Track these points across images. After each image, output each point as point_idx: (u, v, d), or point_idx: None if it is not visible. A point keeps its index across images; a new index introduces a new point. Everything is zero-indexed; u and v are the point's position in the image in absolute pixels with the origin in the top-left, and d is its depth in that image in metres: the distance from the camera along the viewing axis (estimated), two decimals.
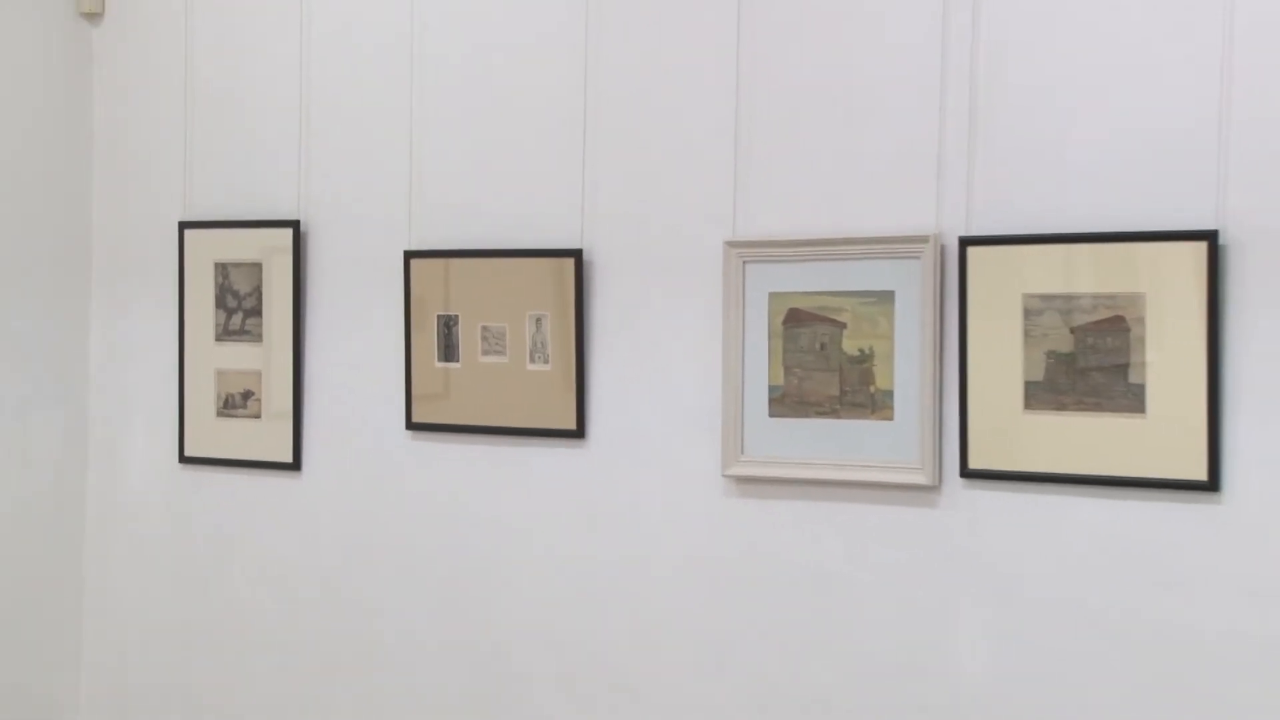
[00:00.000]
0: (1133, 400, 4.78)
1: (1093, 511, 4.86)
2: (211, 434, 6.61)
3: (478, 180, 5.98)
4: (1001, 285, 4.97)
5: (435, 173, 6.08)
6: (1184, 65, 4.72)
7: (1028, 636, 4.98)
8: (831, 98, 5.29)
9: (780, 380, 5.36)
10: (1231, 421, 4.65)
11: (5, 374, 6.71)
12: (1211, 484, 4.66)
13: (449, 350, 6.01)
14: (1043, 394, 4.92)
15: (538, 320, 5.81)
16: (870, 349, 5.19)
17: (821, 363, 5.28)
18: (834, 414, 5.26)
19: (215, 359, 6.58)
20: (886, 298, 5.16)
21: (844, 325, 5.23)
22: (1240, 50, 4.63)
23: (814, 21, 5.32)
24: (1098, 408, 4.83)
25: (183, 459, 6.67)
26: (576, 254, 5.71)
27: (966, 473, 5.04)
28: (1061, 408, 4.89)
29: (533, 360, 5.83)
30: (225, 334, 6.54)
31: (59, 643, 6.93)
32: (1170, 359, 4.72)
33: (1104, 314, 4.82)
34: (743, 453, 5.43)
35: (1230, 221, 4.64)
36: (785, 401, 5.35)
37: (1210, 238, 4.63)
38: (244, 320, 6.50)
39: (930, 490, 5.11)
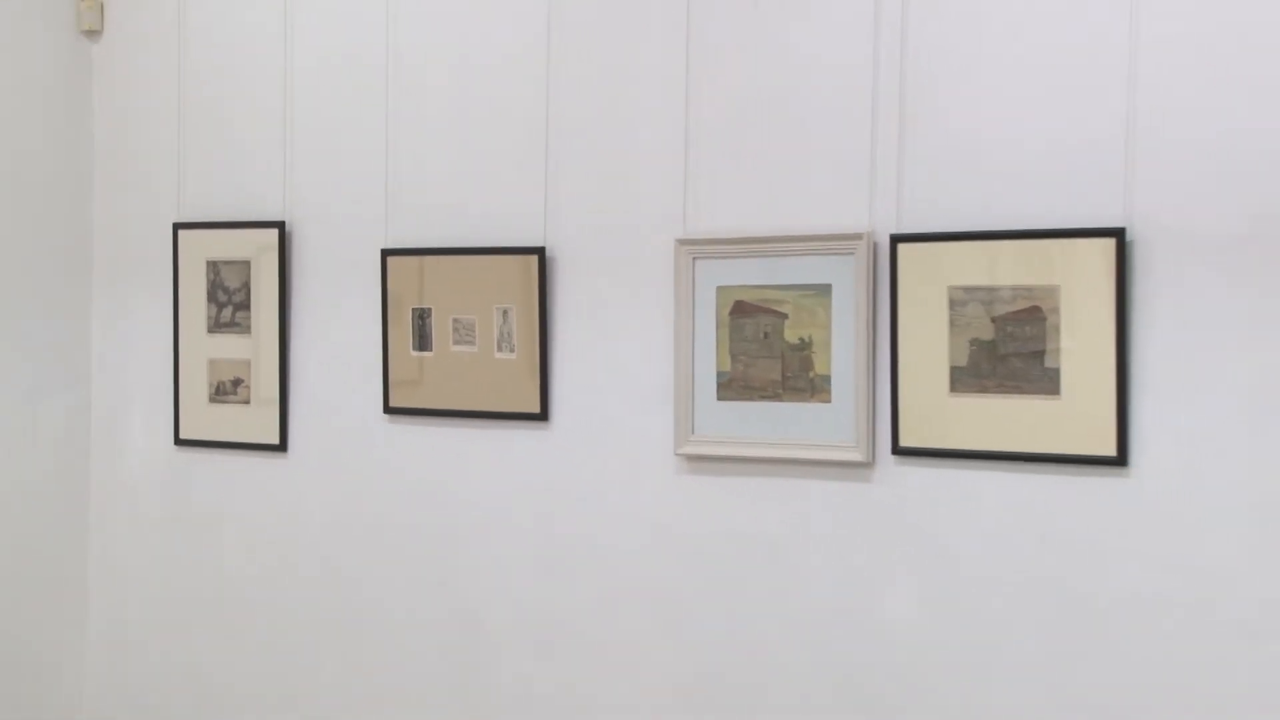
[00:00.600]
0: (1048, 383, 4.82)
1: (1012, 485, 4.91)
2: (204, 418, 6.62)
3: (449, 184, 5.99)
4: (929, 278, 5.01)
5: (410, 177, 6.09)
6: (1094, 78, 4.76)
7: (953, 599, 5.03)
8: (773, 108, 5.33)
9: (727, 367, 5.38)
10: (1138, 402, 4.70)
11: (14, 364, 6.73)
12: (1120, 459, 4.72)
13: (423, 340, 6.02)
14: (967, 378, 4.96)
15: (504, 312, 5.83)
16: (809, 337, 5.22)
17: (765, 350, 5.31)
18: (776, 397, 5.29)
19: (208, 349, 6.59)
20: (824, 290, 5.20)
21: (785, 316, 5.26)
22: (1144, 64, 4.67)
23: (756, 39, 5.35)
24: (1017, 390, 4.88)
25: (178, 441, 6.68)
26: (540, 251, 5.73)
27: (898, 450, 5.09)
28: (984, 390, 4.94)
29: (500, 349, 5.85)
30: (217, 326, 6.55)
31: (66, 611, 6.92)
32: (1082, 345, 4.77)
33: (1022, 304, 4.86)
34: (693, 433, 5.45)
35: (1136, 220, 4.69)
36: (732, 386, 5.38)
37: (1118, 234, 4.68)
38: (234, 313, 6.51)
39: (864, 466, 5.15)
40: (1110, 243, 4.70)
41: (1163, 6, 4.66)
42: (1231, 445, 4.58)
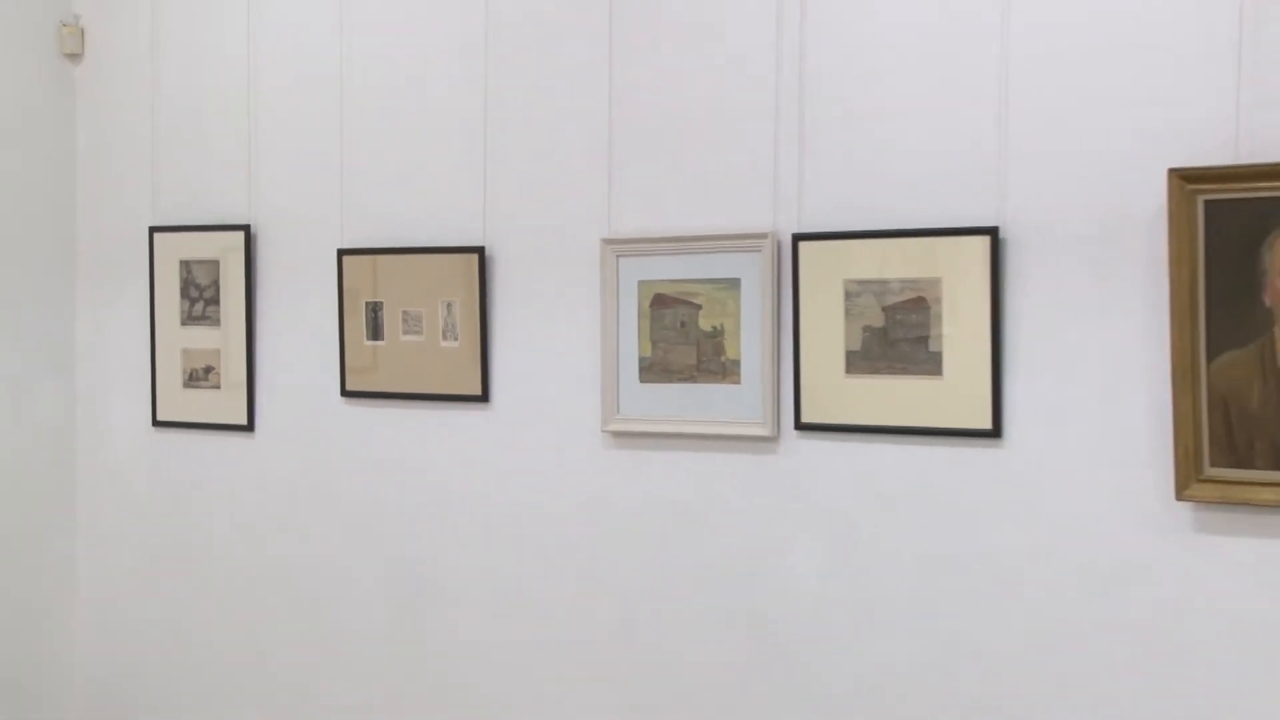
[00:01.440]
0: (932, 365, 4.89)
1: (901, 455, 4.98)
2: (179, 402, 6.61)
3: (398, 190, 6.00)
4: (827, 273, 5.05)
5: (363, 184, 6.09)
6: (971, 94, 4.82)
7: (849, 558, 5.08)
8: (687, 120, 5.36)
9: (648, 352, 5.41)
10: (1010, 381, 4.77)
11: (5, 353, 6.71)
12: (995, 432, 4.79)
13: (375, 330, 6.03)
14: (860, 361, 5.01)
15: (449, 305, 5.84)
16: (721, 326, 5.26)
17: (682, 338, 5.35)
18: (692, 379, 5.33)
19: (181, 340, 6.58)
20: (734, 284, 5.24)
21: (699, 307, 5.30)
22: (1014, 82, 4.73)
23: (672, 59, 5.37)
24: (904, 371, 4.93)
25: (155, 423, 6.68)
26: (480, 250, 5.75)
27: (800, 426, 5.13)
28: (875, 371, 4.99)
29: (445, 338, 5.86)
30: (189, 319, 6.54)
31: (55, 576, 6.90)
32: (961, 331, 4.83)
33: (909, 295, 4.91)
34: (618, 412, 5.49)
35: (1008, 220, 4.75)
36: (652, 370, 5.41)
37: (992, 233, 4.75)
38: (205, 308, 6.49)
39: (770, 440, 5.20)
40: (985, 240, 4.77)
41: (1029, 31, 4.72)
42: (1089, 418, 4.65)
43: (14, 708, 6.79)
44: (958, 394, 4.87)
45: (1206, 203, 4.39)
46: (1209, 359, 4.41)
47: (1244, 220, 4.34)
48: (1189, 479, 4.46)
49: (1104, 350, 4.64)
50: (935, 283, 4.88)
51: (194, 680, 6.65)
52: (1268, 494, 4.34)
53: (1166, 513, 4.54)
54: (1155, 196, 4.49)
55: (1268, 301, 4.32)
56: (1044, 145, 4.73)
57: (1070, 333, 4.70)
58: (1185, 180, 4.40)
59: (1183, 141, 4.47)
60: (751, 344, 5.23)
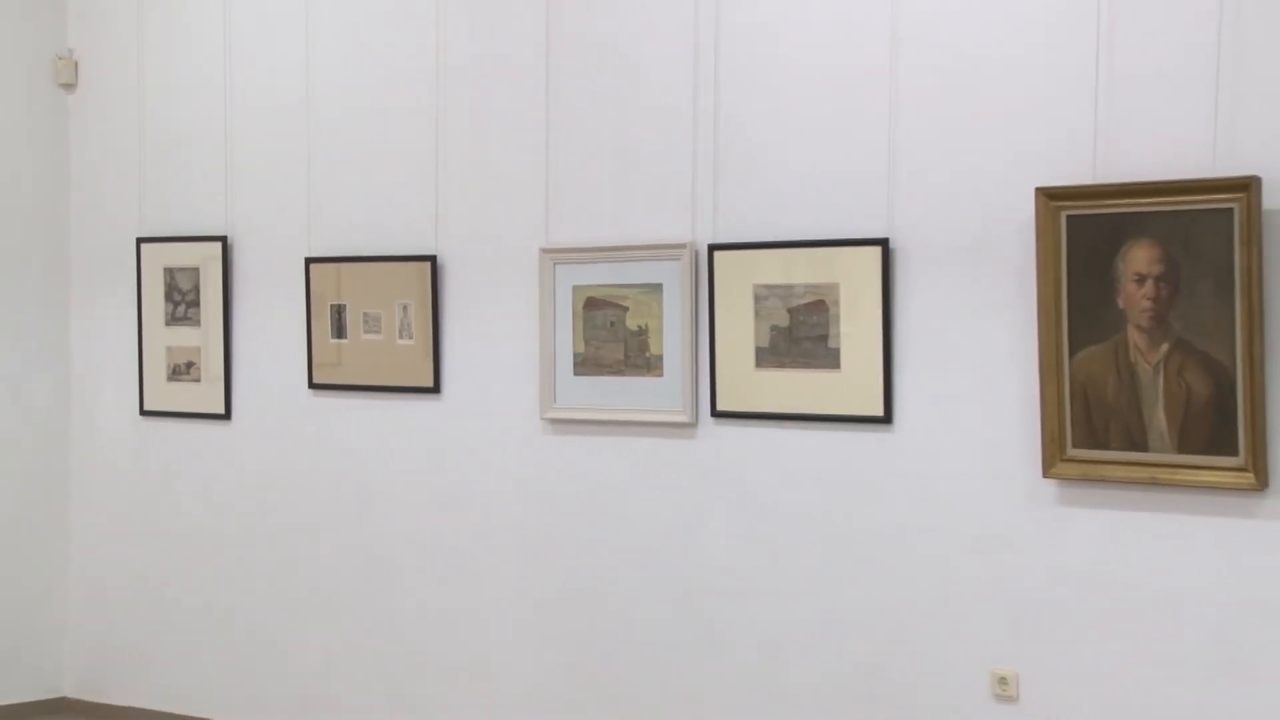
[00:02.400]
0: (831, 360, 4.92)
1: (804, 439, 5.01)
2: (163, 393, 6.55)
3: (359, 205, 5.98)
4: (738, 279, 5.08)
5: (327, 200, 6.07)
6: (864, 124, 4.86)
7: (758, 528, 5.11)
8: (616, 145, 5.37)
9: (582, 349, 5.41)
10: (899, 374, 4.82)
11: (6, 351, 6.68)
12: (886, 418, 4.84)
13: (339, 330, 6.00)
14: (768, 356, 5.04)
15: (404, 307, 5.82)
16: (646, 325, 5.28)
17: (611, 336, 5.35)
18: (620, 373, 5.34)
19: (165, 338, 6.52)
20: (657, 288, 5.25)
21: (627, 308, 5.31)
22: (902, 115, 4.77)
23: (603, 92, 5.39)
24: (807, 365, 4.96)
25: (142, 412, 6.63)
26: (432, 259, 5.74)
27: (715, 413, 5.16)
28: (781, 365, 5.01)
29: (401, 337, 5.84)
30: (173, 320, 6.48)
31: (51, 551, 6.84)
32: (857, 330, 4.87)
33: (811, 298, 4.94)
34: (555, 401, 5.49)
35: (897, 232, 4.80)
36: (585, 364, 5.41)
37: (883, 244, 4.79)
38: (186, 310, 6.44)
39: (690, 426, 5.22)
40: (877, 250, 4.81)
41: (914, 70, 4.76)
42: (968, 405, 4.71)
43: (12, 672, 6.72)
44: (853, 385, 4.90)
45: (1068, 217, 4.45)
46: (1071, 354, 4.47)
47: (1100, 233, 4.41)
48: (1054, 459, 4.52)
49: (980, 347, 4.69)
50: (834, 287, 4.91)
51: (176, 642, 6.58)
52: (1120, 471, 4.42)
53: (1034, 488, 4.60)
54: (1024, 212, 4.54)
55: (1121, 304, 4.38)
56: (927, 167, 4.78)
57: (951, 331, 4.74)
58: (1050, 198, 4.46)
59: (1047, 163, 4.53)
60: (672, 341, 5.24)
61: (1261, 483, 4.22)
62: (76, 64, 6.85)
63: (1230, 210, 4.20)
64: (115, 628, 6.81)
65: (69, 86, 6.87)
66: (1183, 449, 4.33)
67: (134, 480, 6.74)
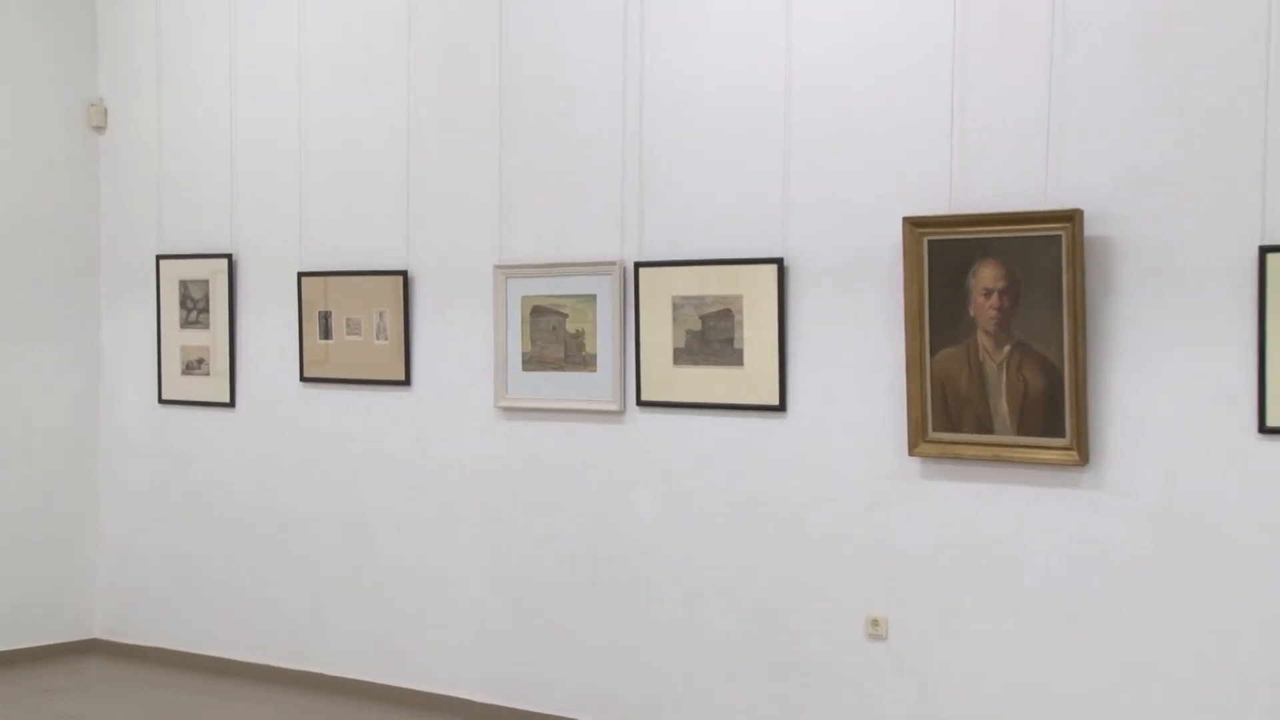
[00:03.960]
0: (736, 358, 4.92)
1: (714, 424, 5.02)
2: (178, 385, 6.50)
3: (343, 228, 5.93)
4: (659, 291, 5.07)
5: (316, 223, 6.02)
6: (763, 156, 4.85)
7: (676, 499, 5.11)
8: (558, 177, 5.34)
9: (529, 348, 5.39)
10: (792, 370, 4.83)
11: (48, 350, 6.62)
12: (781, 407, 4.84)
13: (326, 332, 5.95)
14: (684, 355, 5.03)
15: (381, 314, 5.78)
16: (582, 329, 5.26)
17: (553, 338, 5.33)
18: (561, 369, 5.32)
19: (180, 339, 6.47)
20: (592, 299, 5.23)
21: (567, 315, 5.29)
22: (794, 151, 4.77)
23: (546, 130, 5.35)
24: (716, 362, 4.97)
25: (160, 401, 6.57)
26: (404, 273, 5.70)
27: (640, 402, 5.15)
28: (695, 363, 5.01)
29: (378, 338, 5.80)
30: (186, 324, 6.43)
31: (84, 513, 6.78)
32: (757, 334, 4.87)
33: (719, 307, 4.94)
34: (507, 393, 5.46)
35: (790, 252, 4.81)
36: (532, 361, 5.39)
37: (779, 262, 4.80)
38: (198, 315, 6.38)
39: (619, 413, 5.21)
40: (773, 268, 4.81)
41: (804, 118, 4.76)
42: (845, 396, 4.72)
43: (51, 621, 6.67)
44: (754, 379, 4.90)
45: (929, 242, 4.47)
46: (931, 354, 4.49)
47: (955, 254, 4.43)
48: (917, 440, 4.55)
49: (858, 348, 4.70)
50: (738, 298, 4.90)
51: (189, 592, 6.51)
52: (971, 450, 4.45)
53: (902, 464, 4.62)
54: (893, 237, 4.56)
55: (971, 313, 4.41)
56: (815, 199, 4.78)
57: (834, 335, 4.75)
58: (914, 225, 4.48)
59: (912, 197, 4.55)
60: (605, 342, 5.22)
61: (1083, 459, 4.26)
62: (106, 110, 6.75)
63: (1059, 236, 4.23)
64: (138, 580, 6.72)
65: (100, 129, 6.77)
66: (1021, 432, 4.36)
67: (153, 457, 6.66)
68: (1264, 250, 3.98)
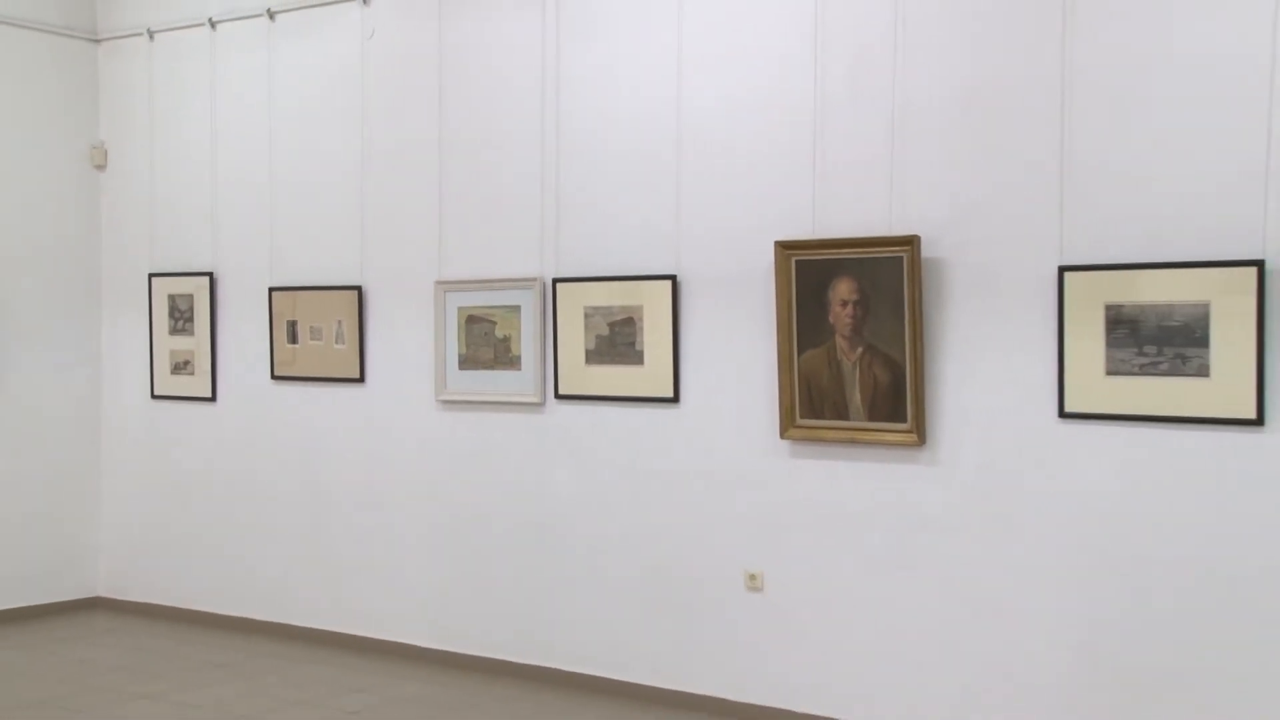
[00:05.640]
0: (638, 359, 4.78)
1: (619, 413, 4.87)
2: (168, 383, 6.24)
3: (307, 250, 5.72)
4: (574, 302, 4.91)
5: (285, 245, 5.79)
6: (659, 193, 4.73)
7: (588, 476, 4.96)
8: (488, 205, 5.17)
9: (464, 351, 5.22)
10: (684, 368, 4.69)
11: (57, 353, 6.40)
12: (675, 399, 4.71)
13: (293, 338, 5.74)
14: (595, 356, 4.88)
15: (339, 322, 5.58)
16: (509, 334, 5.09)
17: (485, 342, 5.16)
18: (491, 367, 5.16)
19: (169, 344, 6.22)
20: (517, 309, 5.07)
21: (495, 322, 5.12)
22: (685, 185, 4.65)
23: (478, 166, 5.18)
24: (621, 362, 4.82)
25: (153, 397, 6.31)
26: (359, 288, 5.51)
27: (558, 396, 4.98)
28: (604, 363, 4.86)
29: (337, 343, 5.60)
30: (174, 331, 6.18)
31: (88, 490, 6.54)
32: (655, 338, 4.73)
33: (624, 315, 4.80)
34: (446, 388, 5.28)
35: (682, 270, 4.68)
36: (467, 361, 5.22)
37: (673, 279, 4.66)
38: (184, 324, 6.14)
39: (541, 405, 5.05)
40: (669, 283, 4.69)
41: (693, 156, 4.64)
42: (730, 390, 4.60)
43: (60, 582, 6.42)
44: (653, 376, 4.76)
45: (796, 261, 4.35)
46: (798, 354, 4.38)
47: (817, 272, 4.32)
48: (787, 426, 4.42)
49: (738, 349, 4.58)
50: (640, 308, 4.77)
51: (179, 556, 6.24)
52: (831, 434, 4.34)
53: (774, 446, 4.51)
54: (767, 257, 4.45)
55: (830, 320, 4.30)
56: (703, 225, 4.66)
57: (719, 339, 4.62)
58: (784, 248, 4.36)
59: (782, 224, 4.44)
60: (528, 346, 5.06)
61: (921, 440, 4.18)
62: (106, 151, 6.46)
63: (901, 258, 4.14)
64: (134, 547, 6.43)
65: (101, 167, 6.47)
66: (871, 418, 4.26)
67: (146, 443, 6.37)
68: (1062, 269, 3.93)
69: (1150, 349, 3.83)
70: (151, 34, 6.27)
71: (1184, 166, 3.79)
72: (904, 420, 4.22)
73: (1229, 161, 3.71)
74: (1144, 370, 3.85)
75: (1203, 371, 3.75)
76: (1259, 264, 3.66)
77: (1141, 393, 3.85)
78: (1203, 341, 3.74)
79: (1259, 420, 3.68)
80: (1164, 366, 3.82)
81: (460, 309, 5.25)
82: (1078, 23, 3.95)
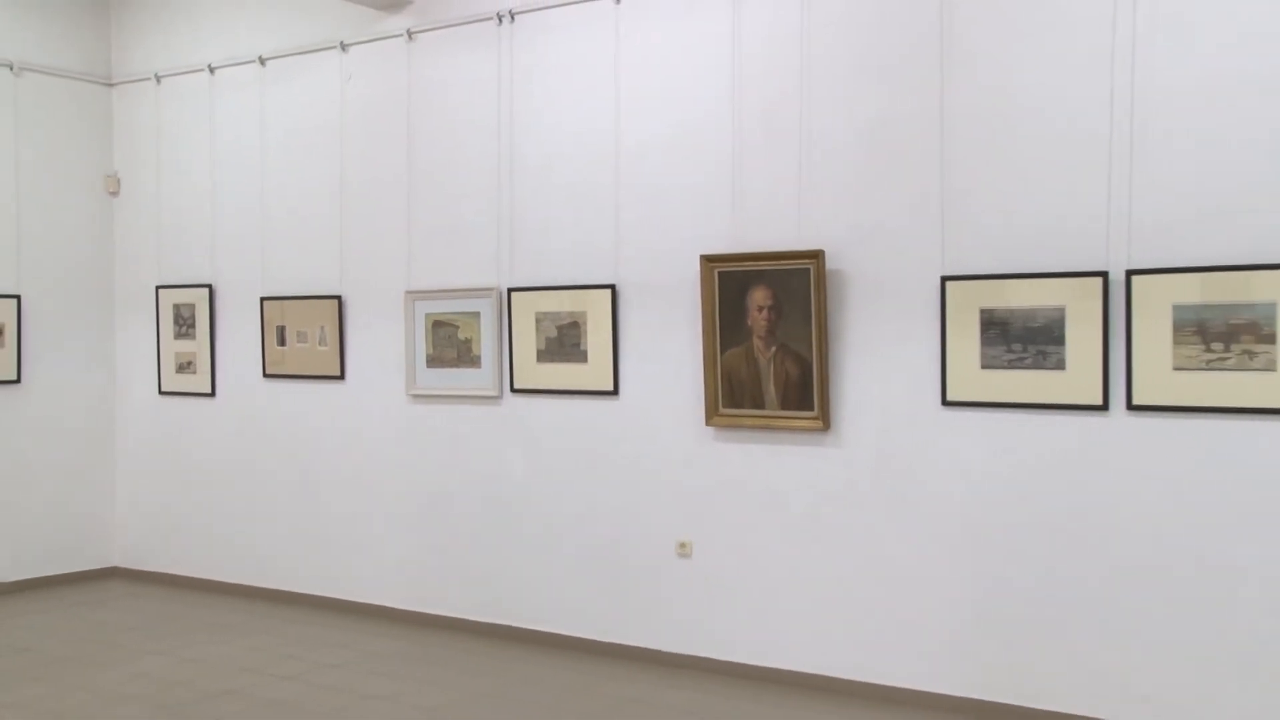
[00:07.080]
0: (582, 357, 4.54)
1: (565, 405, 4.62)
2: (173, 381, 5.87)
3: (294, 265, 5.40)
4: (527, 309, 4.67)
5: (274, 261, 5.45)
6: (599, 215, 4.51)
7: (539, 458, 4.71)
8: (451, 226, 4.92)
9: (431, 351, 4.96)
10: (623, 365, 4.47)
11: (76, 356, 6.06)
12: (615, 392, 4.48)
13: (282, 341, 5.42)
14: (545, 356, 4.64)
15: (322, 327, 5.29)
16: (470, 337, 4.84)
17: (449, 344, 4.91)
18: (455, 366, 4.90)
19: (174, 348, 5.87)
20: (477, 315, 4.82)
21: (458, 327, 4.86)
22: (623, 208, 4.43)
23: (443, 191, 4.93)
24: (568, 360, 4.58)
25: (160, 392, 5.93)
26: (339, 297, 5.21)
27: (513, 390, 4.74)
28: (553, 361, 4.62)
29: (320, 345, 5.29)
30: (179, 336, 5.83)
31: (104, 475, 6.19)
32: (597, 339, 4.51)
33: (570, 320, 4.56)
34: (415, 384, 5.01)
35: (620, 281, 4.45)
36: (433, 361, 4.95)
37: (612, 288, 4.44)
38: (187, 329, 5.80)
39: (499, 398, 4.80)
40: (609, 291, 4.47)
41: (632, 186, 4.42)
42: (663, 384, 4.39)
43: (81, 553, 6.12)
44: (596, 372, 4.54)
45: (719, 273, 4.14)
46: (721, 353, 4.17)
47: (737, 282, 4.11)
48: (712, 414, 4.21)
49: (670, 349, 4.37)
50: (584, 314, 4.55)
51: (185, 531, 5.89)
52: (750, 421, 4.12)
53: (701, 432, 4.30)
54: (694, 269, 4.25)
55: (749, 324, 4.10)
56: (638, 242, 4.43)
57: (654, 341, 4.40)
58: (709, 261, 4.15)
59: (707, 240, 4.23)
60: (487, 347, 4.81)
61: (826, 426, 3.99)
62: (119, 180, 6.09)
63: (808, 269, 3.95)
64: (146, 523, 6.06)
65: (114, 194, 6.11)
66: (784, 407, 4.06)
67: (155, 432, 6.00)
68: (944, 279, 3.78)
69: (1017, 346, 3.71)
70: (159, 78, 5.95)
71: (1042, 194, 3.68)
72: (811, 409, 4.04)
73: (1078, 189, 3.62)
74: (1012, 364, 3.73)
75: (1060, 365, 3.64)
76: (1104, 275, 3.58)
77: (1010, 383, 3.72)
78: (1060, 340, 3.63)
79: (1104, 406, 3.58)
80: (1028, 361, 3.70)
81: (428, 315, 4.99)
82: (953, 74, 3.82)
